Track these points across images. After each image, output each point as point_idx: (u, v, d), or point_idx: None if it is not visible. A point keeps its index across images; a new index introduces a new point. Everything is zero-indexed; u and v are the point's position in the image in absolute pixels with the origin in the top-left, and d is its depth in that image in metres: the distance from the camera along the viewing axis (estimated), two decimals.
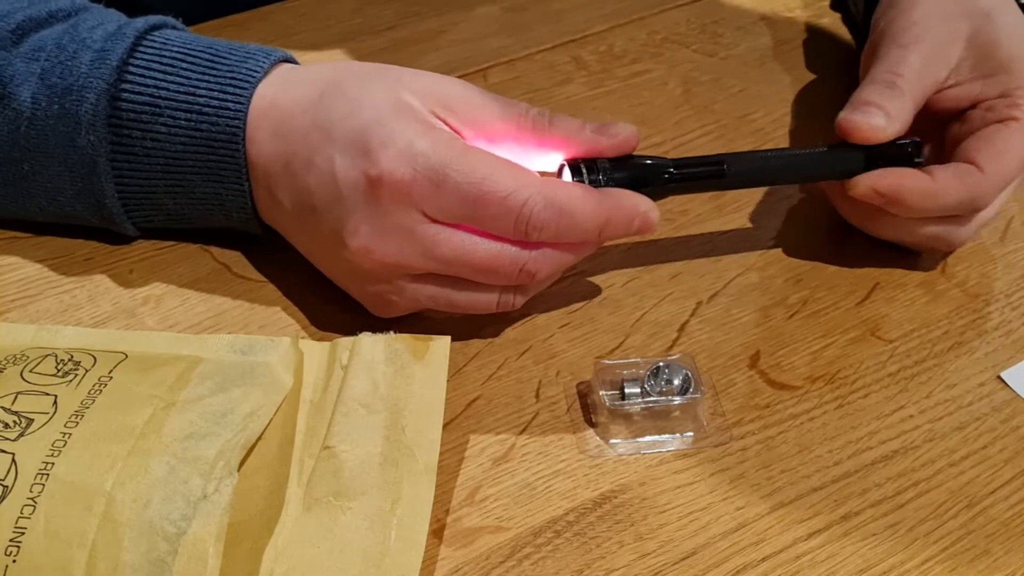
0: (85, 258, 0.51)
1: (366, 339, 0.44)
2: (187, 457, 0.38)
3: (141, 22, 0.48)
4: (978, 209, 0.51)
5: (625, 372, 0.46)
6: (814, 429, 0.46)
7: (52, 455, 0.37)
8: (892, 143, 0.51)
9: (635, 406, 0.45)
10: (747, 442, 0.46)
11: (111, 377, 0.41)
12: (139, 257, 0.51)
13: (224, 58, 0.47)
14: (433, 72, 0.47)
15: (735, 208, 0.57)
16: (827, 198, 0.54)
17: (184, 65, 0.47)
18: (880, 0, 0.58)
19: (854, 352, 0.50)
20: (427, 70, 0.47)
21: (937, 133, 0.54)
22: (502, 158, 0.44)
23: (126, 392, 0.40)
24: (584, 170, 0.46)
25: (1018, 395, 0.48)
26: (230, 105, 0.46)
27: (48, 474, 0.36)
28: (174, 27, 0.50)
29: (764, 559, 0.41)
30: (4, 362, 0.42)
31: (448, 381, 0.43)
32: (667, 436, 0.45)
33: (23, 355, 0.42)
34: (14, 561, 0.35)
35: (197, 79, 0.46)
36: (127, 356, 0.42)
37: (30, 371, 0.41)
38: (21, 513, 0.36)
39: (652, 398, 0.45)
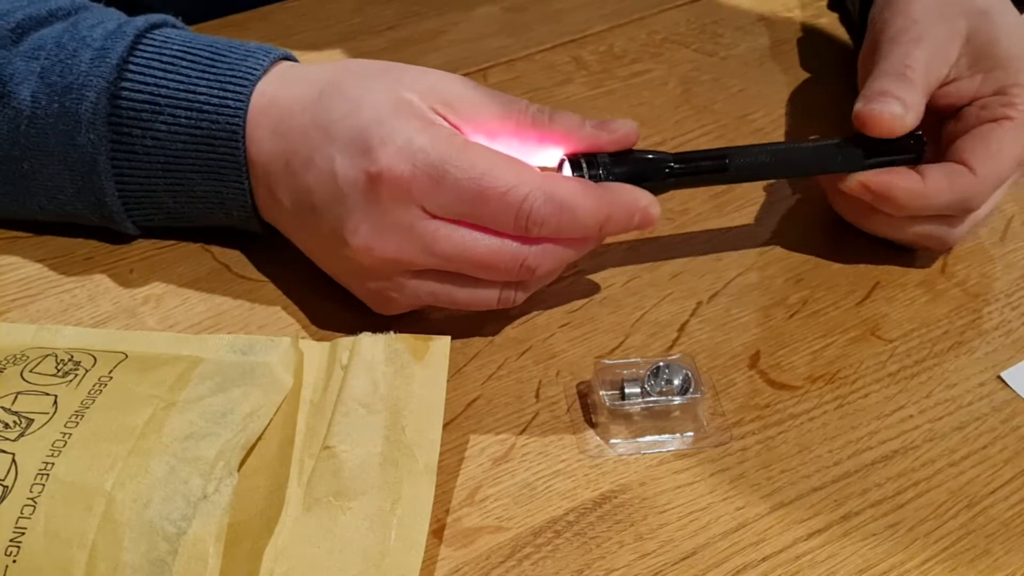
0: (85, 258, 0.51)
1: (366, 339, 0.44)
2: (187, 457, 0.38)
3: (141, 20, 0.48)
4: (970, 210, 0.51)
5: (625, 372, 0.46)
6: (814, 429, 0.46)
7: (52, 455, 0.37)
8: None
9: (635, 406, 0.45)
10: (747, 442, 0.46)
11: (111, 377, 0.41)
12: (139, 257, 0.51)
13: (224, 56, 0.47)
14: (433, 69, 0.47)
15: (735, 207, 0.57)
16: (823, 192, 0.54)
17: (184, 63, 0.47)
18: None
19: (854, 352, 0.50)
20: None
21: (935, 130, 0.54)
22: (502, 153, 0.44)
23: (126, 392, 0.40)
24: (584, 165, 0.46)
25: (1018, 395, 0.48)
26: (230, 103, 0.46)
27: (48, 474, 0.36)
28: (174, 25, 0.50)
29: (764, 559, 0.41)
30: (4, 362, 0.42)
31: (448, 381, 0.43)
32: (667, 436, 0.45)
33: (23, 355, 0.42)
34: (14, 561, 0.35)
35: (197, 77, 0.46)
36: (127, 356, 0.42)
37: (30, 371, 0.41)
38: (21, 513, 0.36)
39: (652, 398, 0.45)
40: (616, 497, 0.43)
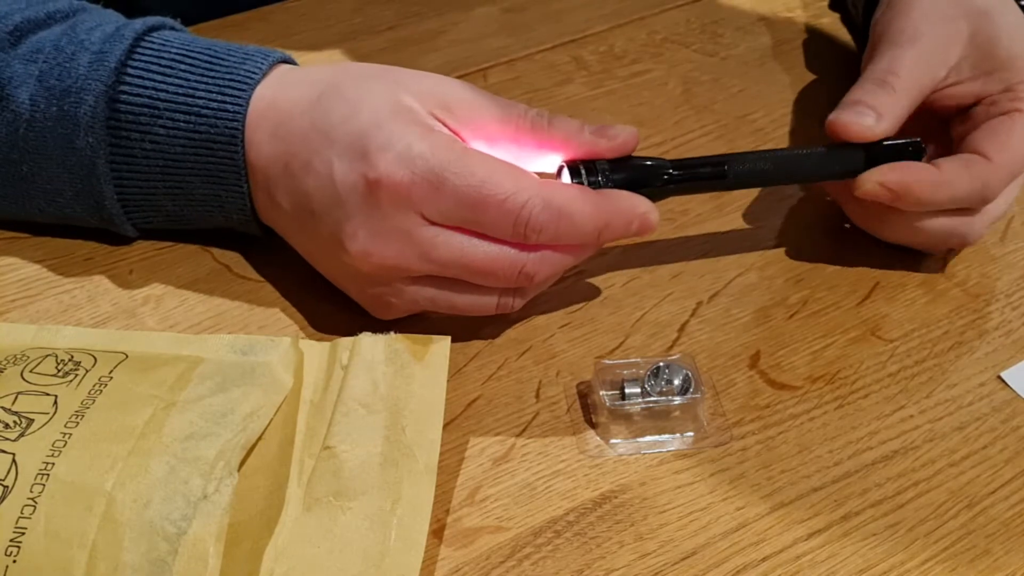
0: (85, 258, 0.51)
1: (366, 339, 0.44)
2: (187, 457, 0.38)
3: (139, 23, 0.48)
4: (988, 199, 0.50)
5: (625, 372, 0.46)
6: (814, 429, 0.46)
7: (52, 455, 0.37)
8: (894, 143, 0.51)
9: (635, 406, 0.45)
10: (747, 442, 0.46)
11: (111, 377, 0.41)
12: (139, 257, 0.51)
13: (223, 59, 0.47)
14: (432, 72, 0.47)
15: (735, 208, 0.57)
16: (835, 201, 0.54)
17: (183, 66, 0.47)
18: (879, 1, 0.58)
19: (854, 352, 0.50)
20: (427, 70, 0.47)
21: (941, 133, 0.54)
22: (501, 160, 0.44)
23: (126, 392, 0.40)
24: (583, 172, 0.46)
25: (1018, 395, 0.48)
26: (229, 107, 0.46)
27: (48, 474, 0.36)
28: (172, 28, 0.50)
29: (764, 559, 0.41)
30: (4, 362, 0.42)
31: (448, 381, 0.43)
32: (667, 436, 0.45)
33: (23, 355, 0.42)
34: (14, 561, 0.35)
35: (196, 80, 0.46)
36: (127, 356, 0.42)
37: (30, 371, 0.41)
38: (21, 513, 0.36)
39: (652, 398, 0.45)
40: (616, 497, 0.43)
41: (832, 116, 0.50)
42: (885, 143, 0.51)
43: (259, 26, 0.67)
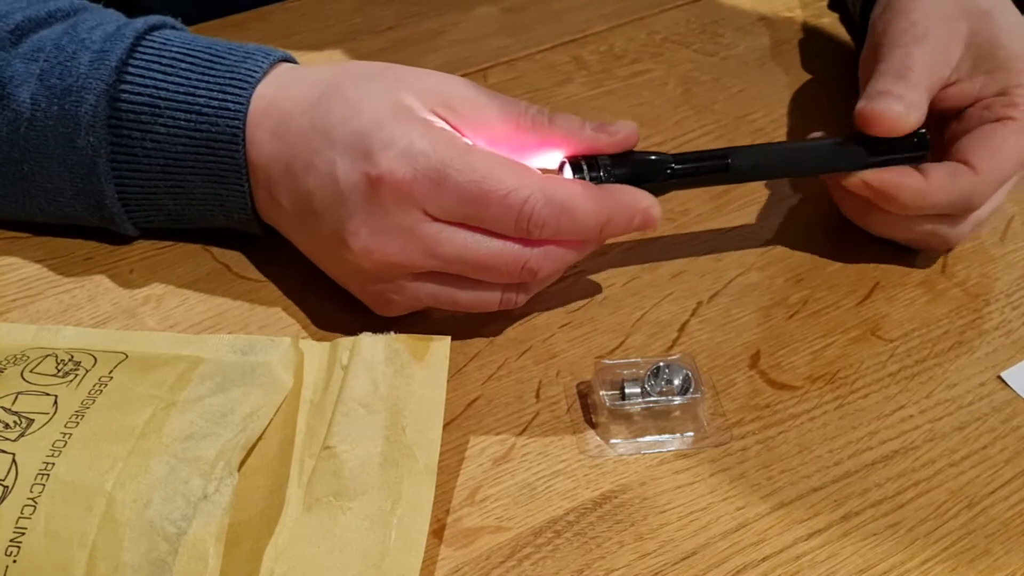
0: (85, 258, 0.51)
1: (366, 339, 0.44)
2: (187, 457, 0.38)
3: (140, 22, 0.48)
4: (972, 209, 0.51)
5: (625, 372, 0.46)
6: (814, 429, 0.46)
7: (52, 455, 0.37)
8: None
9: (635, 406, 0.45)
10: (747, 442, 0.46)
11: (111, 377, 0.41)
12: (139, 257, 0.51)
13: (223, 58, 0.47)
14: (433, 70, 0.47)
15: (736, 207, 0.57)
16: (829, 191, 0.54)
17: (183, 65, 0.47)
18: (877, 0, 0.58)
19: (854, 352, 0.50)
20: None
21: (937, 133, 0.54)
22: (503, 156, 0.44)
23: (126, 392, 0.40)
24: (585, 167, 0.46)
25: (1018, 395, 0.48)
26: (230, 106, 0.46)
27: (48, 474, 0.36)
28: (173, 27, 0.50)
29: (764, 559, 0.41)
30: (4, 362, 0.42)
31: (448, 381, 0.43)
32: (667, 436, 0.45)
33: (23, 355, 0.42)
34: (14, 561, 0.35)
35: (196, 79, 0.46)
36: (127, 356, 0.42)
37: (30, 371, 0.41)
38: (21, 513, 0.36)
39: (652, 398, 0.45)
40: (616, 497, 0.43)
41: (862, 105, 0.50)
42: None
43: (259, 26, 0.67)
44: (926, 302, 0.52)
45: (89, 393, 0.40)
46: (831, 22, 0.71)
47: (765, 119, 0.63)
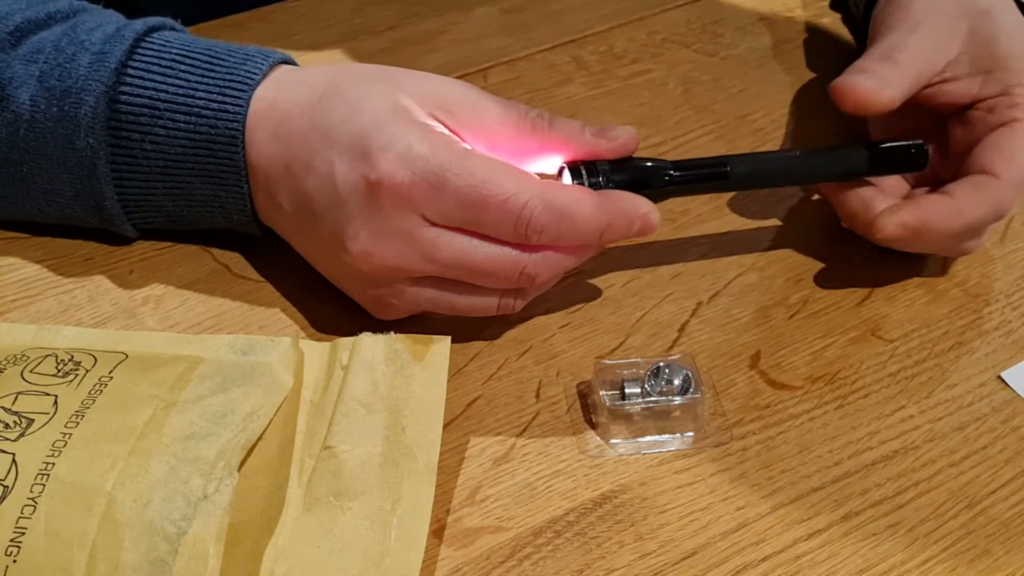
0: (85, 258, 0.51)
1: (366, 339, 0.44)
2: (187, 457, 0.38)
3: (140, 24, 0.48)
4: (1001, 217, 0.50)
5: (625, 372, 0.46)
6: (814, 429, 0.46)
7: (52, 455, 0.37)
8: (896, 144, 0.51)
9: (635, 406, 0.45)
10: (747, 442, 0.46)
11: (111, 377, 0.41)
12: (139, 257, 0.51)
13: (223, 60, 0.47)
14: (433, 73, 0.47)
15: (735, 208, 0.57)
16: (827, 200, 0.54)
17: (183, 67, 0.47)
18: None
19: (854, 352, 0.50)
20: (427, 70, 0.47)
21: (937, 132, 0.54)
22: (501, 161, 0.44)
23: (126, 392, 0.40)
24: (584, 172, 0.46)
25: (1018, 395, 0.48)
26: (229, 107, 0.46)
27: (48, 474, 0.36)
28: (173, 28, 0.50)
29: (764, 559, 0.41)
30: (4, 362, 0.42)
31: (448, 381, 0.43)
32: (667, 436, 0.45)
33: (23, 355, 0.42)
34: (14, 561, 0.35)
35: (196, 81, 0.46)
36: (127, 356, 0.42)
37: (30, 371, 0.41)
38: (21, 513, 0.36)
39: (652, 398, 0.45)
40: (616, 497, 0.43)
41: (837, 80, 0.50)
42: (887, 144, 0.51)
43: (259, 26, 0.67)
44: (926, 302, 0.52)
45: (89, 393, 0.40)
46: (832, 22, 0.71)
47: (765, 119, 0.63)
